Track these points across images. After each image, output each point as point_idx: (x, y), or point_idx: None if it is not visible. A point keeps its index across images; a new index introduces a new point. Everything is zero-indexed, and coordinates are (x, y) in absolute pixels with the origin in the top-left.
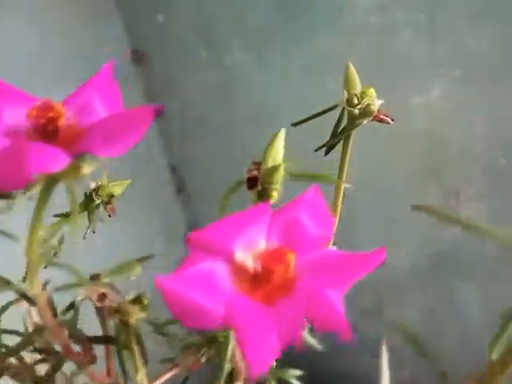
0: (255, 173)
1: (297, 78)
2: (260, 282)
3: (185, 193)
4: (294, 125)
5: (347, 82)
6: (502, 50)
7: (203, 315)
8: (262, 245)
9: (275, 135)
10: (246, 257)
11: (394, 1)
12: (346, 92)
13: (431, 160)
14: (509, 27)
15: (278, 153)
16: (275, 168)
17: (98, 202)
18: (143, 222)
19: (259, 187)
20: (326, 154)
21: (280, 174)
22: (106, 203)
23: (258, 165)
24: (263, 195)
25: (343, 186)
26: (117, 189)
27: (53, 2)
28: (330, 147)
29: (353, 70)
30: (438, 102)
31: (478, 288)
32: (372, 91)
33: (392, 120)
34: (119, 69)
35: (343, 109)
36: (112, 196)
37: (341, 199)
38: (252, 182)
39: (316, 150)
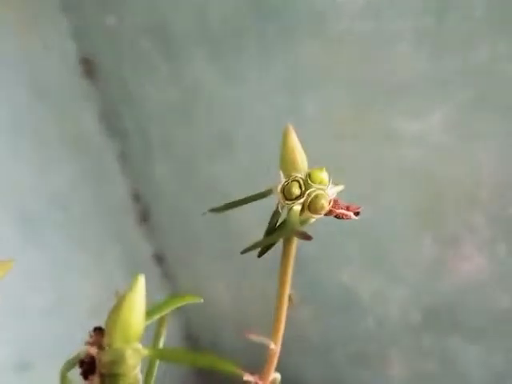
0: (92, 351)
1: (271, 94)
2: None
3: (148, 221)
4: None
5: (285, 158)
6: None
7: None
8: None
9: (131, 286)
10: None
11: (390, 4)
12: (281, 174)
13: (428, 202)
14: None
15: (132, 317)
16: (120, 356)
17: None
18: (102, 253)
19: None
20: (259, 256)
21: (130, 362)
22: None
23: (99, 335)
24: None
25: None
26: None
27: None
28: (263, 249)
29: (293, 136)
30: (438, 132)
31: (476, 346)
32: (322, 174)
33: (357, 214)
34: (67, 84)
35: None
36: None
37: (282, 323)
38: (85, 371)
39: (242, 253)
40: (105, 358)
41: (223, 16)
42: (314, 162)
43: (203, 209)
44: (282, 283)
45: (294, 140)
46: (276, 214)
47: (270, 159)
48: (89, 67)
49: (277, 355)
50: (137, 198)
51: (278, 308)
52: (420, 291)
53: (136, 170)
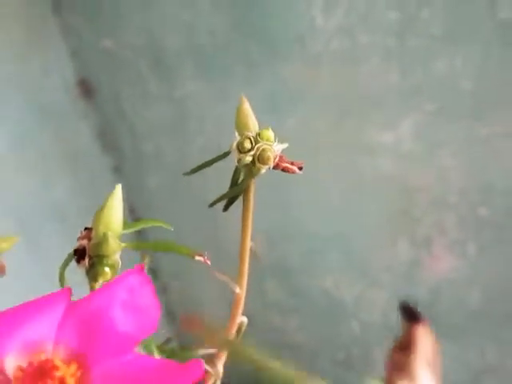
0: (84, 243)
1: (256, 109)
2: None
3: (143, 233)
4: (186, 174)
5: (239, 121)
6: (482, 79)
7: None
8: (47, 349)
9: (111, 194)
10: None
11: (360, 26)
12: (237, 134)
13: (401, 208)
14: (492, 52)
15: (112, 215)
16: (103, 237)
17: None
18: None
19: (87, 261)
20: (224, 210)
21: (111, 244)
22: None
23: (88, 232)
24: (93, 271)
25: (248, 247)
26: (3, 245)
27: None
28: (228, 202)
29: (246, 105)
30: (408, 141)
31: (451, 344)
32: (269, 133)
33: (300, 169)
34: (65, 103)
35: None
36: None
37: (246, 265)
38: (79, 255)
39: (210, 206)
40: (92, 242)
41: (210, 36)
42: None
43: (195, 220)
44: (244, 230)
45: (247, 108)
46: (237, 170)
47: None
48: (86, 88)
49: (242, 299)
50: (131, 210)
51: (242, 254)
52: (398, 294)
53: (130, 183)
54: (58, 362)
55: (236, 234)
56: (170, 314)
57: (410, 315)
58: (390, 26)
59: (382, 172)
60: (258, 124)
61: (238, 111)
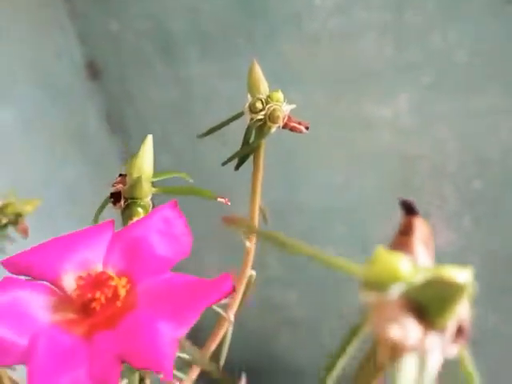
0: (119, 187)
1: None
2: (87, 312)
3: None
4: (200, 136)
5: (251, 84)
6: (477, 53)
7: (3, 349)
8: (97, 269)
9: (143, 143)
10: (74, 283)
11: (356, 2)
12: (249, 96)
13: (400, 181)
14: (486, 26)
15: (144, 163)
16: (137, 180)
17: (4, 221)
18: None
19: (122, 203)
20: (236, 168)
21: (144, 188)
22: (14, 223)
23: (123, 177)
24: (128, 212)
25: (258, 203)
26: (27, 207)
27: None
28: (240, 160)
29: (258, 69)
30: (405, 114)
31: None
32: (279, 95)
33: (307, 128)
34: (74, 85)
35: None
36: (20, 215)
37: (256, 221)
38: (115, 198)
39: (223, 164)
40: (127, 185)
41: (214, 17)
42: (296, 144)
43: (202, 203)
44: (254, 188)
45: (259, 72)
46: (248, 130)
47: None
48: (94, 70)
49: (252, 253)
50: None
51: (252, 210)
52: None
53: None
54: (112, 275)
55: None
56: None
57: (409, 209)
58: (387, 2)
59: (380, 145)
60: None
61: (250, 75)
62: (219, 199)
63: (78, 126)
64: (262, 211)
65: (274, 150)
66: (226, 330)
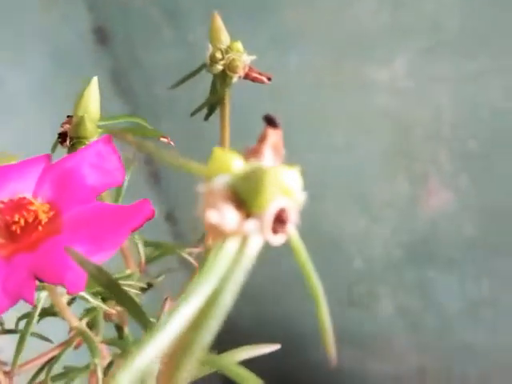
0: (66, 127)
1: (262, 49)
2: (12, 236)
3: (159, 183)
4: (171, 88)
5: (212, 35)
6: (471, 17)
7: None
8: (28, 197)
9: (88, 85)
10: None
11: None
12: (210, 46)
13: (398, 143)
14: None
15: (89, 103)
16: (81, 120)
17: None
18: None
19: (68, 142)
20: (206, 118)
21: (88, 127)
22: None
23: (70, 118)
24: (73, 151)
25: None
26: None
27: None
28: (209, 111)
29: (219, 21)
30: (403, 77)
31: (449, 276)
32: (238, 45)
33: (269, 79)
34: (82, 50)
35: (223, 69)
36: None
37: None
38: (62, 137)
39: (192, 114)
40: (72, 123)
41: None
42: (297, 107)
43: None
44: (222, 135)
45: (220, 23)
46: (214, 81)
47: (260, 110)
48: (102, 35)
49: None
50: (148, 160)
51: None
52: (398, 228)
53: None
54: (33, 200)
55: None
56: (169, 217)
57: (269, 121)
58: None
59: (379, 109)
60: (262, 62)
61: (211, 27)
62: (162, 139)
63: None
64: None
65: (273, 110)
66: None
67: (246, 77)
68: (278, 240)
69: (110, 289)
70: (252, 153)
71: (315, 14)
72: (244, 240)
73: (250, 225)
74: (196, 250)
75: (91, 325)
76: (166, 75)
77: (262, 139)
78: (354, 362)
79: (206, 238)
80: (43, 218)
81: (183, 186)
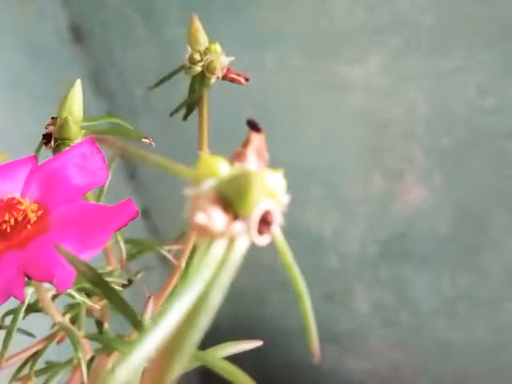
0: (50, 128)
1: (237, 49)
2: (2, 235)
3: (136, 178)
4: (151, 88)
5: (190, 37)
6: (445, 15)
7: None
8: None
9: (72, 86)
10: None
11: None
12: (188, 48)
13: (373, 141)
14: None
15: (73, 105)
16: (65, 121)
17: None
18: None
19: (53, 143)
20: (184, 118)
21: (72, 128)
22: None
23: (54, 120)
24: (57, 152)
25: (206, 151)
26: None
27: None
28: (187, 111)
29: (197, 23)
30: (377, 76)
31: (425, 273)
32: (216, 46)
33: (246, 80)
34: (58, 48)
35: (202, 71)
36: None
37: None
38: (46, 139)
39: (171, 114)
40: (56, 125)
41: None
42: (272, 105)
43: (183, 161)
44: (200, 136)
45: (198, 24)
46: (192, 82)
47: (238, 109)
48: (77, 33)
49: None
50: (124, 156)
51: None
52: (374, 226)
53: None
54: (22, 200)
55: None
56: (145, 213)
57: (252, 126)
58: None
59: (354, 107)
60: (239, 62)
61: (190, 28)
62: (144, 139)
63: (62, 90)
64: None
65: (251, 110)
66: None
67: (224, 78)
68: (263, 241)
69: (98, 285)
70: (236, 156)
71: (290, 13)
72: (231, 241)
73: (237, 226)
74: (175, 247)
75: (73, 320)
76: (142, 74)
77: (245, 143)
78: (330, 359)
79: (185, 235)
80: (32, 217)
81: (159, 182)
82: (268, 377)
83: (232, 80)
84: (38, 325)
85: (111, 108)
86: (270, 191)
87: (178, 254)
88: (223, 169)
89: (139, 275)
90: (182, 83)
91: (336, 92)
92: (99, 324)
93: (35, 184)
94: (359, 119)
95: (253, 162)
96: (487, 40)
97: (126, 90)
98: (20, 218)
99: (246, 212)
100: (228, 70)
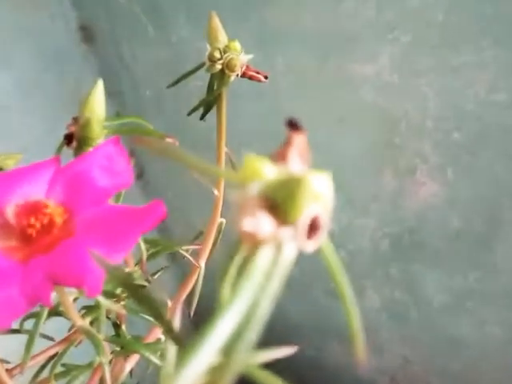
0: (72, 129)
1: (246, 49)
2: (27, 239)
3: (143, 178)
4: (169, 86)
5: (210, 35)
6: (455, 11)
7: None
8: (42, 200)
9: (94, 86)
10: (16, 213)
11: None
12: (208, 46)
13: (384, 138)
14: None
15: (95, 105)
16: (88, 121)
17: None
18: None
19: (75, 144)
20: (201, 117)
21: (94, 128)
22: None
23: (76, 120)
24: (79, 152)
25: (223, 149)
26: (8, 162)
27: None
28: (205, 109)
29: (216, 21)
30: (387, 72)
31: (436, 269)
32: (236, 44)
33: (266, 77)
34: (69, 49)
35: (221, 69)
36: (1, 169)
37: (223, 163)
38: (68, 139)
39: (189, 114)
40: (79, 124)
41: None
42: (283, 105)
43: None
44: (219, 136)
45: (217, 22)
46: (211, 81)
47: (247, 108)
48: (87, 33)
49: (221, 201)
50: (132, 154)
51: (219, 157)
52: (385, 222)
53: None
54: (48, 203)
55: None
56: None
57: (292, 125)
58: None
59: (365, 104)
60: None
61: (209, 26)
62: (168, 139)
63: (73, 90)
64: (227, 156)
65: (261, 110)
66: (198, 278)
67: (244, 75)
68: (311, 246)
69: (128, 289)
70: (278, 157)
71: (299, 13)
72: (278, 247)
73: (286, 232)
74: (192, 248)
75: (92, 323)
76: (152, 74)
77: (286, 143)
78: (339, 354)
79: (203, 235)
80: (58, 220)
81: (166, 181)
82: (273, 373)
83: (251, 77)
84: (53, 327)
85: (120, 107)
86: (318, 195)
87: (193, 254)
88: (269, 171)
89: (157, 275)
90: (191, 84)
91: (347, 90)
92: (116, 326)
93: (59, 186)
94: (370, 116)
95: (295, 162)
96: (498, 35)
97: (135, 88)
98: (46, 222)
99: (294, 217)
100: (247, 67)
